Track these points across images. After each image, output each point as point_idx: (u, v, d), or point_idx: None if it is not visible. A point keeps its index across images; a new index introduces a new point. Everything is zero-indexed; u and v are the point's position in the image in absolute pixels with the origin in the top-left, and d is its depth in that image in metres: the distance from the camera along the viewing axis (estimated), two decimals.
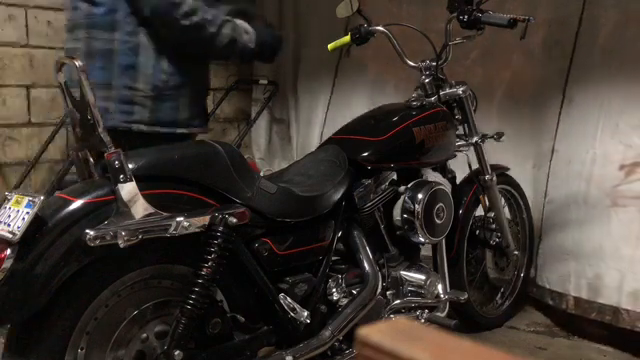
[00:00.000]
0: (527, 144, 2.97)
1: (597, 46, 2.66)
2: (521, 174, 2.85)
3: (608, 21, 2.62)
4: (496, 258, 2.65)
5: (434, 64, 2.30)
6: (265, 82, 3.97)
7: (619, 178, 2.51)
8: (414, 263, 2.16)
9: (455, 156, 2.35)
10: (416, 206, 2.02)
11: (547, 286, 2.73)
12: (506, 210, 2.70)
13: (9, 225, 1.31)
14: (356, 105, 3.35)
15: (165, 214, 1.46)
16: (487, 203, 2.57)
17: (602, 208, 2.53)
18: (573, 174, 2.67)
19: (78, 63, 1.43)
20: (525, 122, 2.99)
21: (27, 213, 1.30)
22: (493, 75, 3.10)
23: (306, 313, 1.74)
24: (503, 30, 2.20)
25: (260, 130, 4.27)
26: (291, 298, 1.73)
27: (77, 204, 1.39)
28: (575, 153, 2.69)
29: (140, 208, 1.42)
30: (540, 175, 2.90)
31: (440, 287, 2.19)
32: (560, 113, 2.79)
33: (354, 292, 1.93)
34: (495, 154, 2.63)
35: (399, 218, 2.07)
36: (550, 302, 2.71)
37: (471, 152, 2.48)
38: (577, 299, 2.58)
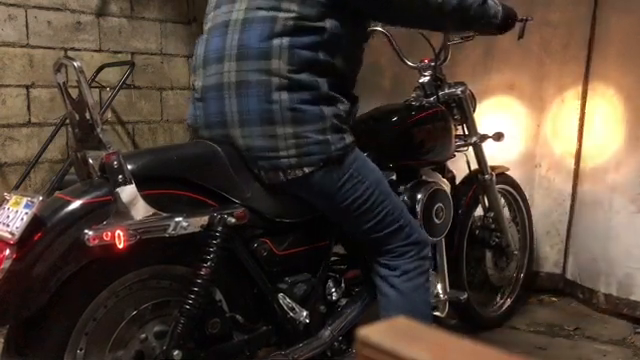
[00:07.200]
0: (542, 145, 3.03)
1: (612, 52, 2.69)
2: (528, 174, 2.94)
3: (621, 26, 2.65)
4: (496, 258, 2.65)
5: (433, 64, 2.30)
6: None
7: None
8: None
9: (454, 156, 2.35)
10: (415, 206, 2.02)
11: (578, 281, 2.89)
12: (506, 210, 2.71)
13: (8, 226, 1.31)
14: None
15: (164, 214, 1.46)
16: (487, 203, 2.57)
17: (627, 214, 2.64)
18: (598, 179, 2.75)
19: (76, 64, 1.42)
20: (544, 123, 3.03)
21: (26, 213, 1.29)
22: (505, 75, 3.12)
23: (305, 313, 1.74)
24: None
25: None
26: (290, 298, 1.73)
27: (76, 204, 1.39)
28: (600, 159, 2.78)
29: (140, 208, 1.42)
30: (558, 177, 2.95)
31: (440, 287, 2.19)
32: (583, 116, 2.87)
33: (353, 292, 1.93)
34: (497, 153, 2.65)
35: None
36: (580, 296, 2.87)
37: (470, 152, 2.48)
38: (607, 295, 2.74)
